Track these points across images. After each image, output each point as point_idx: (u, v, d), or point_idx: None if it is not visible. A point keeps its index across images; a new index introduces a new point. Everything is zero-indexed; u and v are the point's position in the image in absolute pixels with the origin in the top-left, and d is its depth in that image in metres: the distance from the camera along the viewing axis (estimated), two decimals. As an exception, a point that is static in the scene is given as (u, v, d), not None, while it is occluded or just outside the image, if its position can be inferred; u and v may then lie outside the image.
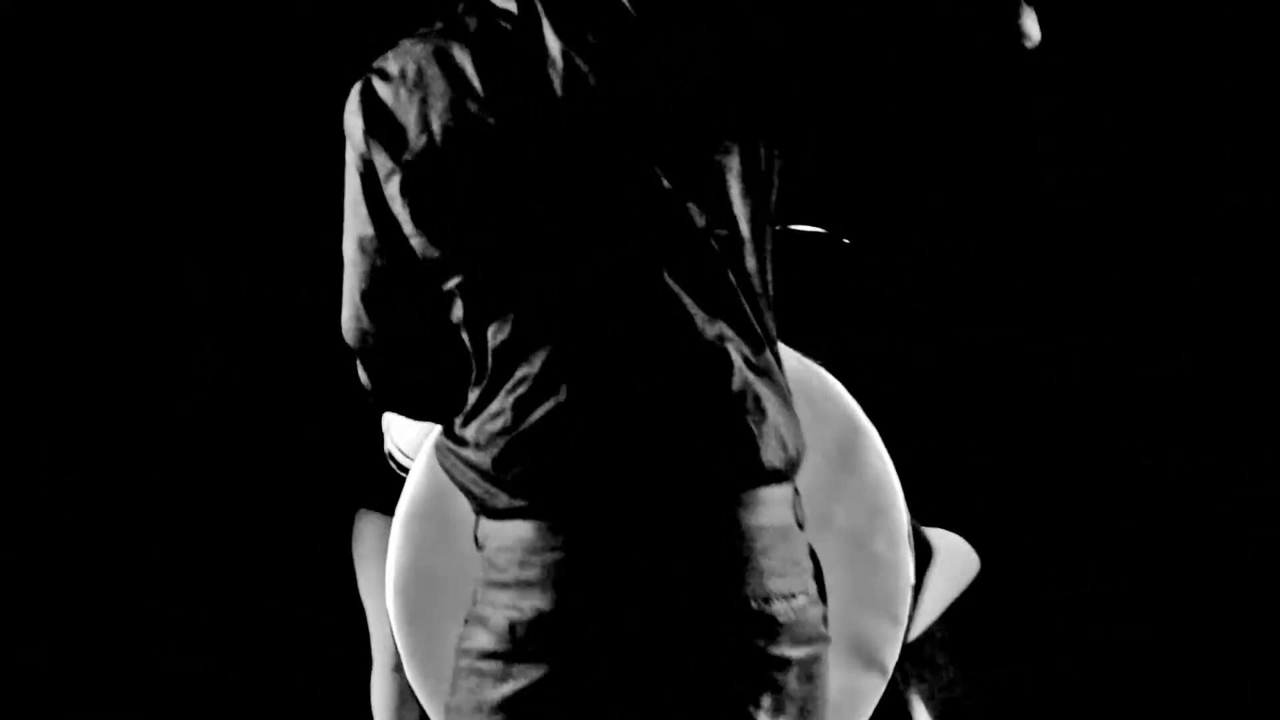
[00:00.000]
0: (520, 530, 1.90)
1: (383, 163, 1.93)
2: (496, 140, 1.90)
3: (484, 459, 1.92)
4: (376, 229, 1.96)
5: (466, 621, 1.98)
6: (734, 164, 1.92)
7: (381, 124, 1.93)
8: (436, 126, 1.91)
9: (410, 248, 1.95)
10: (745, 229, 1.94)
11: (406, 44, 1.98)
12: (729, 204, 1.93)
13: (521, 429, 1.90)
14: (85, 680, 4.65)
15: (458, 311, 1.95)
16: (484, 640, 1.93)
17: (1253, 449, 4.48)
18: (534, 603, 1.88)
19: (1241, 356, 4.49)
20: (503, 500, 1.91)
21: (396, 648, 4.22)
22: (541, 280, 1.90)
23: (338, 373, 4.72)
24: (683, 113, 1.90)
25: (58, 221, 4.54)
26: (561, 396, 1.88)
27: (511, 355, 1.91)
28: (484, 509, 1.94)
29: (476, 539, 1.98)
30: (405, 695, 4.27)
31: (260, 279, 4.73)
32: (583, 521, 1.87)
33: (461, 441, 1.96)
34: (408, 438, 3.97)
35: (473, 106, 1.91)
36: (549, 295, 1.90)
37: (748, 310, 1.94)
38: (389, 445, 4.10)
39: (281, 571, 4.72)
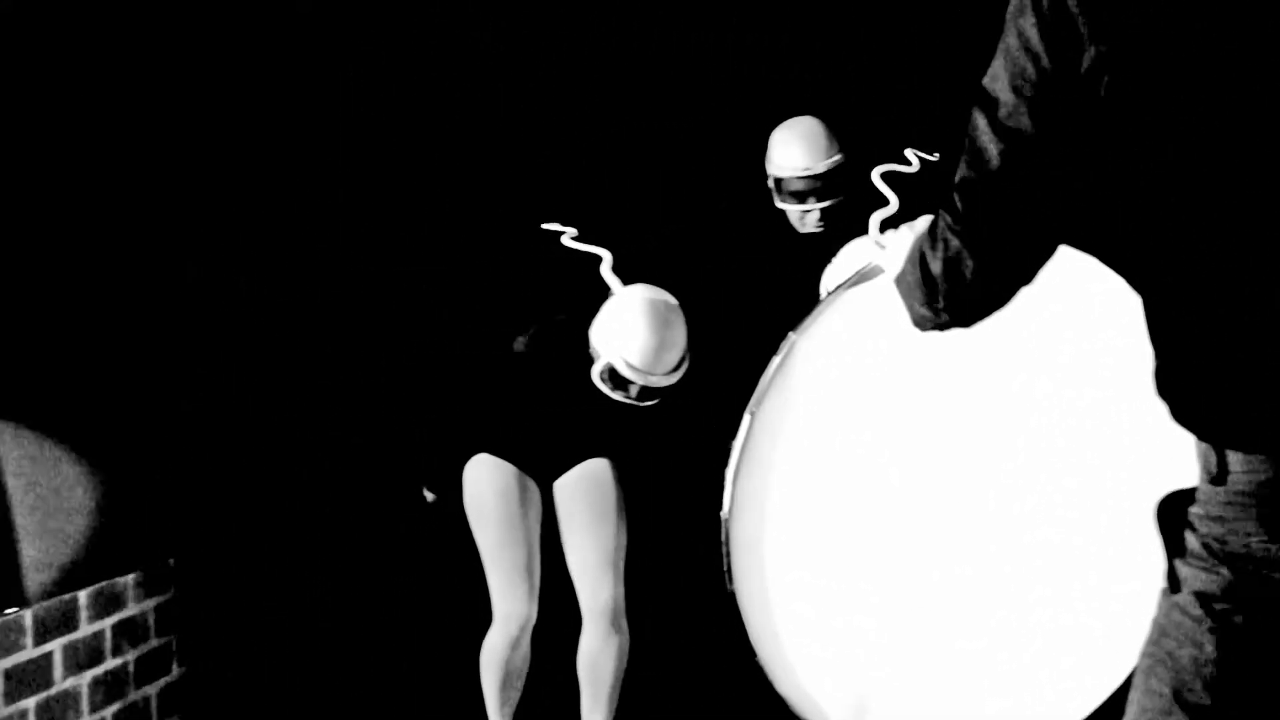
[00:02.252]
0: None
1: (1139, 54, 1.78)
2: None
3: None
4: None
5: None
6: None
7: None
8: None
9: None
10: None
11: None
12: None
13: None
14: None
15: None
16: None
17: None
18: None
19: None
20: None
21: (527, 618, 4.00)
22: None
23: (335, 373, 4.74)
24: None
25: (58, 222, 4.55)
26: None
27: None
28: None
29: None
30: (516, 671, 4.10)
31: (260, 279, 4.73)
32: None
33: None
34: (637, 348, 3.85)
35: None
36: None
37: None
38: (610, 360, 3.92)
39: (281, 571, 4.73)
